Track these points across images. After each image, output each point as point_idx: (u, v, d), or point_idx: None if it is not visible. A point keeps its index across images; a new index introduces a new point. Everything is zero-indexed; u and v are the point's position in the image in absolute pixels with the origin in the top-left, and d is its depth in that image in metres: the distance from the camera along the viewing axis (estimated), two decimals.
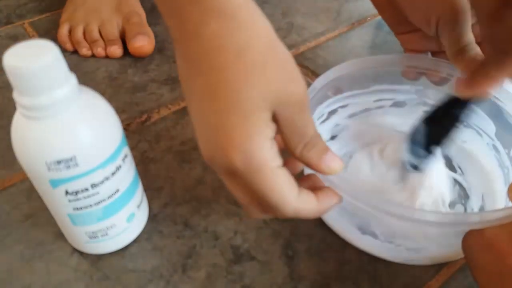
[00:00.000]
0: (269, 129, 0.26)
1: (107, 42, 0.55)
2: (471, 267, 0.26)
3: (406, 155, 0.36)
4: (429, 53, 0.41)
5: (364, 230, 0.35)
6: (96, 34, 0.56)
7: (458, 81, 0.32)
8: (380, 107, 0.42)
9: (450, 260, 0.34)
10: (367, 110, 0.42)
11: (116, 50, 0.55)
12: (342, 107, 0.41)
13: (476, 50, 0.34)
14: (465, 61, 0.33)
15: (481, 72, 0.31)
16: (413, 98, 0.41)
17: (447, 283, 0.33)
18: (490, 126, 0.37)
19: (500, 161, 0.37)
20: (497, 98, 0.35)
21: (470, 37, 0.34)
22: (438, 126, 0.35)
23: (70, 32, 0.57)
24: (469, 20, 0.35)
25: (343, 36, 0.60)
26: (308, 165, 0.28)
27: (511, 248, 0.23)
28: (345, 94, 0.40)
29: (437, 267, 0.34)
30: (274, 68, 0.25)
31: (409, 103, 0.42)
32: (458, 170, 0.40)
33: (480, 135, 0.38)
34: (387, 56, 0.39)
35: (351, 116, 0.42)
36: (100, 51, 0.55)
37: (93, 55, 0.56)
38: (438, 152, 0.36)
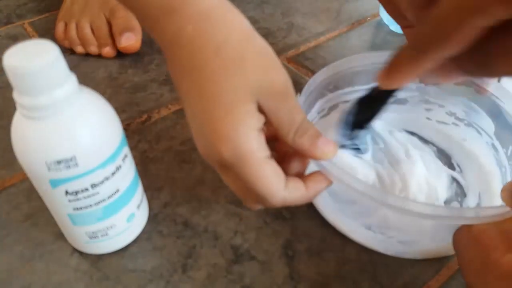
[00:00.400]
0: (254, 120, 0.26)
1: (99, 44, 0.55)
2: (459, 262, 0.26)
3: (336, 134, 0.36)
4: None
5: (357, 220, 0.35)
6: (88, 32, 0.55)
7: (380, 71, 0.31)
8: None
9: (441, 255, 0.34)
10: None
11: (109, 51, 0.55)
12: (343, 102, 0.41)
13: None
14: None
15: (396, 65, 0.29)
16: (415, 95, 0.41)
17: (447, 283, 0.33)
18: (489, 125, 0.38)
19: (498, 160, 0.37)
20: (496, 97, 0.35)
21: None
22: (367, 109, 0.34)
23: (66, 29, 0.57)
24: None
25: (343, 36, 0.60)
26: (302, 151, 0.28)
27: (495, 242, 0.24)
28: (346, 89, 0.40)
29: (437, 267, 0.34)
30: (252, 59, 0.26)
31: (410, 100, 0.42)
32: (457, 168, 0.40)
33: (480, 133, 0.39)
34: (388, 52, 0.39)
35: None
36: (93, 49, 0.55)
37: (88, 53, 0.56)
38: (362, 134, 0.36)
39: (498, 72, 0.26)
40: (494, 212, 0.26)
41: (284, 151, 0.31)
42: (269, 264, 0.34)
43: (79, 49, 0.56)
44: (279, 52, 0.56)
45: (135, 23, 0.55)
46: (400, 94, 0.42)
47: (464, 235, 0.26)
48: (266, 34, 0.59)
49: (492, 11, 0.20)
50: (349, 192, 0.30)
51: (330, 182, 0.29)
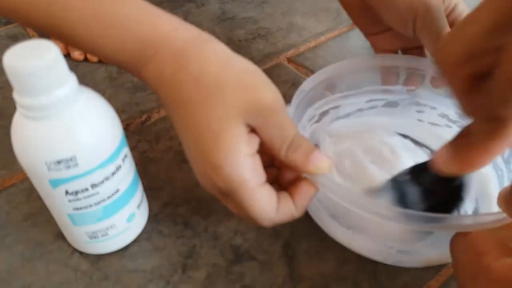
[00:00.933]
0: (244, 145, 0.26)
1: None
2: (453, 266, 0.26)
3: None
4: (399, 51, 0.42)
5: (354, 230, 0.35)
6: None
7: (438, 155, 0.26)
8: (373, 107, 0.42)
9: (441, 263, 0.34)
10: (359, 110, 0.42)
11: None
12: (333, 108, 0.41)
13: None
14: None
15: (472, 143, 0.24)
16: (406, 98, 0.41)
17: (447, 283, 0.33)
18: None
19: (494, 163, 0.37)
20: None
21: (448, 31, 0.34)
22: (441, 187, 0.28)
23: None
24: (443, 16, 0.35)
25: (343, 36, 0.60)
26: (295, 167, 0.28)
27: (488, 247, 0.24)
28: (337, 95, 0.40)
29: (437, 267, 0.34)
30: (232, 85, 0.26)
31: (401, 103, 0.42)
32: None
33: None
34: (379, 56, 0.39)
35: (343, 117, 0.42)
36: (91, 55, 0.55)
37: (85, 59, 0.55)
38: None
39: None
40: (491, 219, 0.26)
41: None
42: (269, 264, 0.34)
43: (76, 55, 0.55)
44: (279, 52, 0.56)
45: None
46: (390, 98, 0.41)
47: (460, 240, 0.26)
48: (266, 34, 0.59)
49: None
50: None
51: (316, 188, 0.29)
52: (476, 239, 0.25)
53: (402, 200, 0.30)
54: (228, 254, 0.35)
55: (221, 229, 0.37)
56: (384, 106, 0.42)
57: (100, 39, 0.28)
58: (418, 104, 0.41)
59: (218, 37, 0.29)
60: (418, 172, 0.30)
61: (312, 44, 0.58)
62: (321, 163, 0.28)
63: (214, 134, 0.26)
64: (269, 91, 0.27)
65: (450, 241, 0.27)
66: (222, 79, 0.26)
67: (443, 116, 0.41)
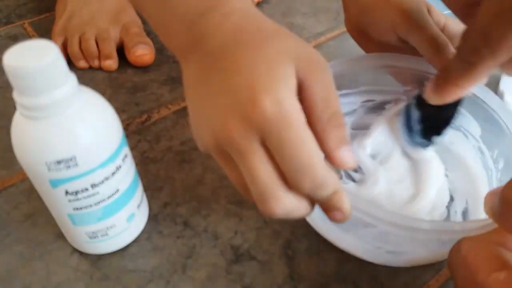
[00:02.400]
0: (293, 82, 0.24)
1: (102, 56, 0.54)
2: (454, 281, 0.26)
3: (402, 142, 0.36)
4: None
5: (345, 229, 0.35)
6: (93, 45, 0.54)
7: (428, 86, 0.32)
8: (368, 107, 0.42)
9: (429, 262, 0.34)
10: (354, 111, 0.42)
11: (111, 65, 0.54)
12: None
13: (450, 49, 0.34)
14: (442, 61, 0.33)
15: (447, 79, 0.30)
16: (402, 99, 0.41)
17: (447, 283, 0.33)
18: (475, 128, 0.37)
19: (484, 162, 0.37)
20: (483, 101, 0.35)
21: (433, 33, 0.34)
22: (434, 113, 0.34)
23: (65, 43, 0.55)
24: (423, 17, 0.35)
25: (343, 36, 0.60)
26: (324, 143, 0.25)
27: (480, 263, 0.23)
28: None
29: (437, 267, 0.34)
30: (287, 34, 0.26)
31: (398, 104, 0.41)
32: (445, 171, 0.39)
33: (466, 136, 0.38)
34: (374, 55, 0.39)
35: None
36: (96, 63, 0.54)
37: (90, 67, 0.55)
38: (437, 141, 0.36)
39: None
40: (478, 225, 0.26)
41: None
42: (269, 264, 0.34)
43: (82, 63, 0.54)
44: None
45: (148, 40, 0.55)
46: (386, 98, 0.41)
47: (454, 255, 0.25)
48: None
49: None
50: None
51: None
52: (468, 254, 0.24)
53: (408, 123, 0.36)
54: (228, 254, 0.35)
55: (221, 229, 0.37)
56: (378, 107, 0.41)
57: None
58: None
59: None
60: (420, 98, 0.34)
61: (312, 44, 0.58)
62: (348, 158, 0.26)
63: (268, 64, 0.24)
64: (316, 51, 0.26)
65: (448, 255, 0.27)
66: (280, 30, 0.26)
67: None
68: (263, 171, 0.24)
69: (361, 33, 0.40)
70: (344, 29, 0.61)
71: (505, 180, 0.32)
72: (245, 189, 0.26)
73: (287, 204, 0.25)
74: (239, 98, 0.24)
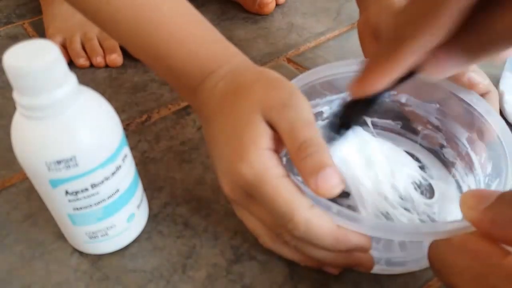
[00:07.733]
0: (264, 139, 0.27)
1: (107, 51, 0.54)
2: (442, 278, 0.24)
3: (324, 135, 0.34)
4: None
5: None
6: (95, 43, 0.54)
7: (352, 79, 0.28)
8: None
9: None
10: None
11: (116, 58, 0.54)
12: (316, 114, 0.39)
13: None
14: None
15: (370, 68, 0.25)
16: (387, 102, 0.40)
17: None
18: (462, 133, 0.37)
19: (473, 170, 0.36)
20: (468, 105, 0.35)
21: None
22: (352, 110, 0.31)
23: (64, 43, 0.55)
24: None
25: (343, 36, 0.60)
26: (301, 175, 0.26)
27: (487, 248, 0.22)
28: (317, 100, 0.39)
29: None
30: (259, 85, 0.29)
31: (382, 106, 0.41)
32: (426, 173, 0.39)
33: (455, 142, 0.38)
34: (366, 60, 0.39)
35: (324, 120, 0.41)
36: (99, 60, 0.54)
37: (91, 65, 0.55)
38: (348, 134, 0.33)
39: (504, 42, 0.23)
40: (454, 227, 0.26)
41: None
42: (269, 264, 0.34)
43: (82, 61, 0.54)
44: (279, 52, 0.56)
45: None
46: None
47: (443, 249, 0.24)
48: (266, 34, 0.59)
49: None
50: None
51: (369, 242, 0.27)
52: (466, 243, 0.22)
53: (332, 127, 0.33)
54: (228, 254, 0.35)
55: (221, 229, 0.37)
56: None
57: (177, 53, 0.33)
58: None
59: None
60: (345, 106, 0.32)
61: (312, 44, 0.58)
62: (326, 186, 0.25)
63: (241, 128, 0.28)
64: (284, 89, 0.28)
65: (427, 255, 0.25)
66: (253, 82, 0.30)
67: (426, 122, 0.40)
68: (252, 222, 0.31)
69: (374, 34, 0.39)
70: (344, 29, 0.61)
71: (493, 185, 0.32)
72: None
73: (272, 246, 0.31)
74: (225, 166, 0.29)
